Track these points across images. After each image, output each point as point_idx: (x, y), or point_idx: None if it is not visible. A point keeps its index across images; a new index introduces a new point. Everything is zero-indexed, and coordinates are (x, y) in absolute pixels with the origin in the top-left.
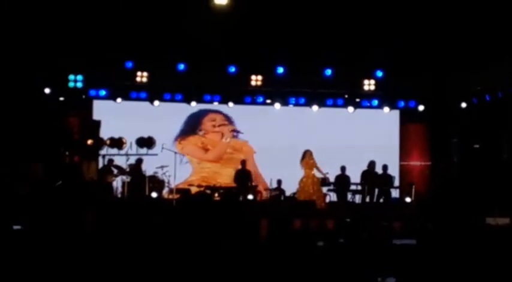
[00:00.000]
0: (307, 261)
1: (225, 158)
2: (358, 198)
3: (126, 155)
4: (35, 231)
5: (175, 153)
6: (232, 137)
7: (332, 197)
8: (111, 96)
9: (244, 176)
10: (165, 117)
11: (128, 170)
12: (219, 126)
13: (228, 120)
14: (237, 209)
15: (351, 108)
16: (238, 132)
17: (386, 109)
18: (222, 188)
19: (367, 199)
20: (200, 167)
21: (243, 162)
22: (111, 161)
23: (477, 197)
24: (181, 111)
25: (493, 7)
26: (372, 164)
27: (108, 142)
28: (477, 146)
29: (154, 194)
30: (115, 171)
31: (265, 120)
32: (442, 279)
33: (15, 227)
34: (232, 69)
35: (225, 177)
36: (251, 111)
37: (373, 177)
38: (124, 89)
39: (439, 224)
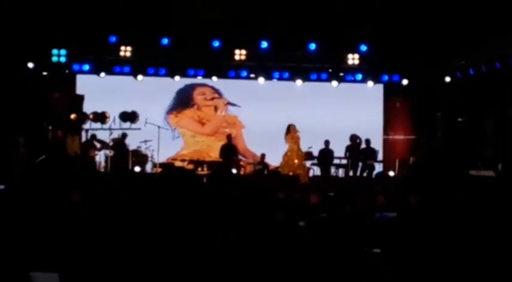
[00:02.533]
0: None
1: (219, 132)
2: (341, 172)
3: (110, 129)
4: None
5: (159, 127)
6: (227, 110)
7: (316, 171)
8: (95, 71)
9: (230, 150)
10: (149, 91)
11: (111, 144)
12: (211, 99)
13: (217, 92)
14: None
15: (334, 83)
16: (233, 105)
17: (370, 83)
18: (207, 162)
19: (351, 173)
20: (194, 141)
21: (229, 137)
22: (93, 135)
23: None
24: (165, 86)
25: None
26: (353, 138)
27: (91, 116)
28: (461, 119)
29: (137, 168)
30: (98, 145)
31: (250, 95)
32: (425, 248)
33: None
34: (216, 43)
35: (218, 151)
36: (236, 85)
37: (355, 151)
38: (107, 64)
39: (422, 198)
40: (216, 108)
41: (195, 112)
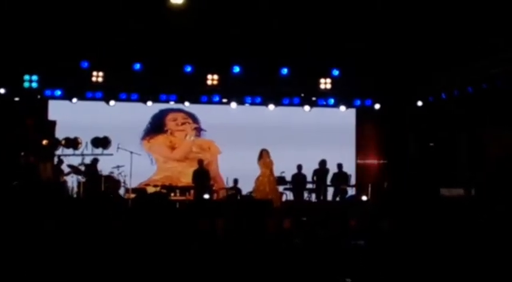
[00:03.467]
0: (267, 260)
1: (191, 158)
2: (314, 197)
3: (82, 155)
4: None
5: (131, 152)
6: (196, 136)
7: (289, 195)
8: (67, 96)
9: (202, 176)
10: (121, 117)
11: (82, 169)
12: (182, 124)
13: (192, 118)
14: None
15: (307, 107)
16: (201, 130)
17: (342, 108)
18: (179, 187)
19: (321, 197)
20: (166, 167)
21: (200, 162)
22: (60, 160)
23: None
24: (137, 111)
25: (450, 7)
26: (322, 163)
27: (63, 142)
28: (432, 144)
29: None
30: (66, 170)
31: (224, 119)
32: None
33: None
34: (188, 68)
35: (189, 176)
36: (212, 109)
37: (324, 176)
38: (80, 89)
39: (395, 223)
40: (186, 134)
41: (167, 138)
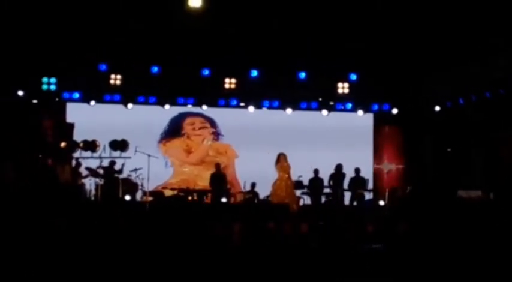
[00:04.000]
0: (283, 264)
1: (207, 161)
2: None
3: (100, 157)
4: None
5: (149, 156)
6: (213, 140)
7: (306, 200)
8: (85, 99)
9: (219, 179)
10: (139, 120)
11: (100, 172)
12: (199, 129)
13: (210, 122)
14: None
15: (324, 112)
16: (218, 134)
17: (360, 112)
18: (197, 191)
19: (337, 202)
20: (182, 170)
21: (217, 166)
22: (78, 163)
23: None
24: (155, 114)
25: (469, 10)
26: (338, 167)
27: (81, 145)
28: (449, 149)
29: (127, 197)
30: (84, 172)
31: (242, 122)
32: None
33: None
34: (206, 72)
35: (206, 180)
36: (229, 113)
37: (339, 180)
38: (97, 92)
39: (413, 226)
40: (203, 138)
41: (184, 141)
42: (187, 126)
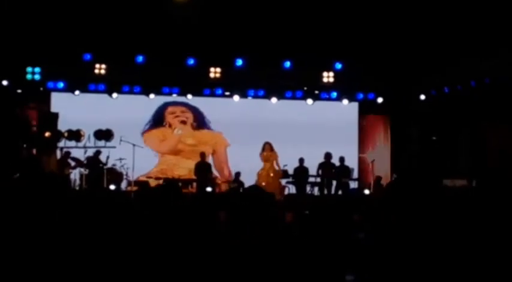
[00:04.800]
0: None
1: (186, 150)
2: (316, 191)
3: (84, 147)
4: None
5: (134, 145)
6: (195, 129)
7: (291, 189)
8: (69, 89)
9: (204, 168)
10: (124, 109)
11: (85, 162)
12: (176, 117)
13: (193, 111)
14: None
15: (310, 101)
16: (203, 123)
17: (345, 101)
18: (181, 180)
19: (325, 191)
20: (163, 160)
21: (202, 155)
22: (67, 153)
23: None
24: (140, 104)
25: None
26: (327, 156)
27: (66, 134)
28: (435, 138)
29: (112, 186)
30: (72, 163)
31: (227, 112)
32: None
33: None
34: (191, 61)
35: (183, 169)
36: (215, 102)
37: (329, 169)
38: (82, 81)
39: (399, 215)
40: (172, 127)
41: (161, 131)
42: (168, 115)
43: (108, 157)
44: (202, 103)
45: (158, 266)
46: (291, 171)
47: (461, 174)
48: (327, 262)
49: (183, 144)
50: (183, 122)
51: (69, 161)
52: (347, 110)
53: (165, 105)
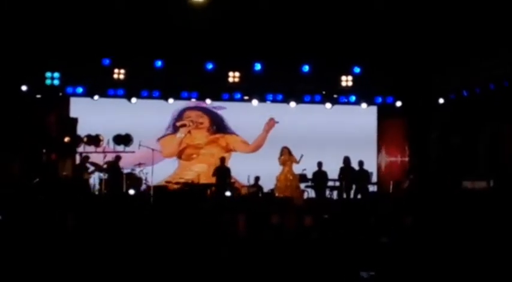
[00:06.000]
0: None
1: (198, 154)
2: (335, 195)
3: (103, 152)
4: (13, 223)
5: (153, 150)
6: (212, 133)
7: (310, 193)
8: (88, 94)
9: (223, 173)
10: (143, 114)
11: (104, 166)
12: (185, 121)
13: (209, 115)
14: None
15: (328, 105)
16: (221, 128)
17: (364, 105)
18: (202, 184)
19: (344, 195)
20: (180, 164)
21: (222, 159)
22: (86, 157)
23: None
24: (159, 108)
25: (472, 4)
26: (346, 160)
27: (85, 139)
28: (455, 141)
29: (131, 191)
30: (90, 168)
31: (246, 116)
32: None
33: None
34: (210, 66)
35: (192, 173)
36: (233, 107)
37: (349, 173)
38: (101, 86)
39: (418, 219)
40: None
41: (174, 136)
42: (183, 121)
43: (140, 142)
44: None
45: (177, 267)
46: (309, 176)
47: (480, 176)
48: (343, 261)
49: (193, 148)
50: (191, 126)
51: (88, 165)
52: (366, 114)
53: (184, 110)
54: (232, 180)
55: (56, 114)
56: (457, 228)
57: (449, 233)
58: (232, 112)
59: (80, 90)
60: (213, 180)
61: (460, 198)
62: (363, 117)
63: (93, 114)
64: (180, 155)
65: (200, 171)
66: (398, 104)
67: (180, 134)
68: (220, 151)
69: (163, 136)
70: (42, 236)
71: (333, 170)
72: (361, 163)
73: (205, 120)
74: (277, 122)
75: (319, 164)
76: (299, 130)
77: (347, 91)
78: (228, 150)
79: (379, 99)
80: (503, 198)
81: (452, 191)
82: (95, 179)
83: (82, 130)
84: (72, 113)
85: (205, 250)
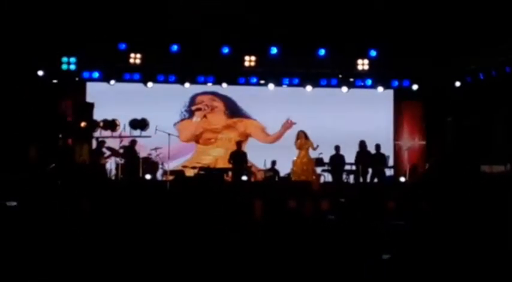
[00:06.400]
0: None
1: (215, 138)
2: (352, 179)
3: (120, 137)
4: (29, 208)
5: (169, 134)
6: (228, 116)
7: (327, 177)
8: (105, 78)
9: (239, 157)
10: (159, 98)
11: (121, 151)
12: (207, 106)
13: (223, 99)
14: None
15: (344, 88)
16: (235, 111)
17: (380, 89)
18: (218, 169)
19: (361, 179)
20: (197, 148)
21: (238, 144)
22: (102, 142)
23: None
24: (175, 93)
25: None
26: (362, 144)
27: (101, 124)
28: (470, 124)
29: (148, 176)
30: (106, 152)
31: (261, 101)
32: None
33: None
34: (226, 50)
35: (210, 157)
36: (248, 91)
37: (365, 157)
38: (117, 71)
39: (435, 204)
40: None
41: (189, 121)
42: (197, 105)
43: (156, 127)
44: (235, 91)
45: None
46: (326, 160)
47: (498, 160)
48: (364, 244)
49: (211, 132)
50: (206, 110)
51: (104, 150)
52: (382, 97)
53: (195, 96)
54: (249, 165)
55: (72, 99)
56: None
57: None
58: (249, 96)
59: (96, 75)
60: (230, 165)
61: (479, 183)
62: (380, 100)
63: (110, 99)
64: (197, 140)
65: (218, 155)
66: (415, 87)
67: (196, 118)
68: (238, 136)
69: (179, 121)
70: (58, 221)
71: (348, 154)
72: (378, 147)
73: (220, 104)
74: (294, 123)
75: (337, 148)
76: (315, 115)
77: (363, 74)
78: (246, 135)
79: (396, 83)
80: None
81: (471, 175)
82: (111, 164)
83: (98, 115)
84: (89, 98)
85: (219, 235)
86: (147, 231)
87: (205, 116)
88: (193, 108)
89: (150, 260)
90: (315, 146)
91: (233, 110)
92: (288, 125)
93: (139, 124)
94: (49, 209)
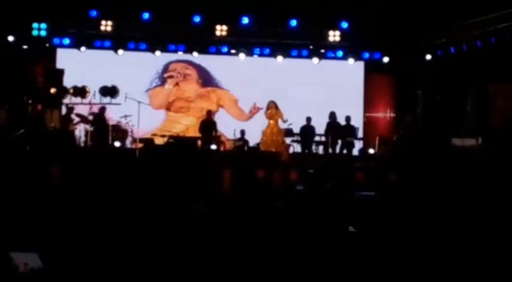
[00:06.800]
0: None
1: (187, 107)
2: (321, 150)
3: (89, 104)
4: None
5: (139, 102)
6: (201, 85)
7: (296, 148)
8: (75, 45)
9: (208, 126)
10: (129, 66)
11: (90, 118)
12: (173, 73)
13: (196, 68)
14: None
15: (315, 59)
16: (209, 80)
17: (351, 60)
18: (187, 138)
19: (330, 150)
20: (167, 117)
21: (208, 113)
22: (71, 109)
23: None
24: (145, 61)
25: None
26: (332, 115)
27: (71, 91)
28: (439, 97)
29: (117, 144)
30: (76, 119)
31: (232, 70)
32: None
33: None
34: (197, 18)
35: (181, 126)
36: (219, 60)
37: (335, 128)
38: (88, 38)
39: (403, 175)
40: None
41: (161, 89)
42: (170, 72)
43: (126, 95)
44: (209, 61)
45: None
46: (296, 130)
47: (469, 134)
48: (330, 216)
49: (184, 100)
50: (179, 78)
51: (73, 117)
52: (353, 69)
53: (169, 63)
54: (218, 134)
55: (42, 65)
56: (447, 186)
57: (440, 191)
58: (220, 65)
59: (66, 41)
60: (199, 134)
61: (449, 155)
62: (350, 72)
63: (80, 66)
64: (169, 107)
65: (189, 124)
66: (386, 59)
67: (168, 86)
68: (210, 105)
69: (152, 88)
70: (26, 188)
71: (318, 125)
72: (348, 118)
73: (193, 72)
74: (261, 108)
75: (308, 119)
76: (286, 85)
77: (334, 46)
78: (219, 106)
79: (367, 55)
80: (492, 156)
81: (442, 148)
82: (80, 131)
83: (68, 82)
84: (59, 64)
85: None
86: (115, 199)
87: (177, 84)
88: (166, 75)
89: (116, 227)
90: (285, 118)
91: (206, 79)
92: (254, 110)
93: (110, 91)
94: (17, 174)
